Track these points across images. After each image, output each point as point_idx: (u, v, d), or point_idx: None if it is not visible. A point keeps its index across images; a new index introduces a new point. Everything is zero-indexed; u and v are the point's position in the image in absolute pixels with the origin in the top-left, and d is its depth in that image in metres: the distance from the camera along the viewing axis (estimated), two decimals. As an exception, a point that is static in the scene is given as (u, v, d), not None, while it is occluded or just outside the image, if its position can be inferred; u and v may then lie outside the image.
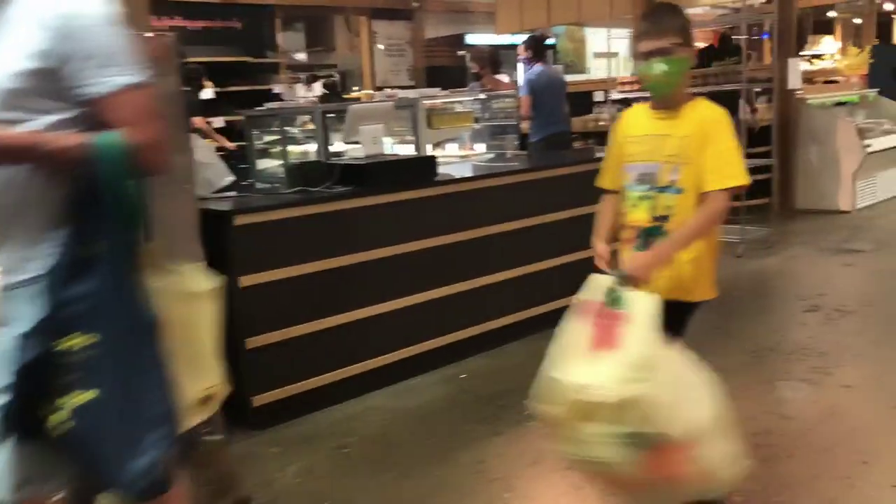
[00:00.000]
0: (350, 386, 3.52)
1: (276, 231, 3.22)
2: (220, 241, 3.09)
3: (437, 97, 5.56)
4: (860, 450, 2.82)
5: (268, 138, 7.48)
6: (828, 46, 14.53)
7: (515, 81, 6.63)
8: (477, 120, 5.84)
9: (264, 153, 7.60)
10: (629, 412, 1.85)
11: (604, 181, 2.41)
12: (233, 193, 3.68)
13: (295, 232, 3.28)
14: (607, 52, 8.02)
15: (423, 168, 3.85)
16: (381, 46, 12.08)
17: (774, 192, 7.49)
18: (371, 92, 7.00)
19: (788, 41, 7.40)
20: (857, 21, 18.50)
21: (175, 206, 2.87)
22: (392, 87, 11.48)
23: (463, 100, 5.82)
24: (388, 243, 3.56)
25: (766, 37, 6.71)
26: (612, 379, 1.86)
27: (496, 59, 6.69)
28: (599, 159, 4.89)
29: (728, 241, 6.20)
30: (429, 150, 6.08)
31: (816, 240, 6.45)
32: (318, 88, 7.25)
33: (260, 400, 3.20)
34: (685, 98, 2.21)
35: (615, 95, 6.86)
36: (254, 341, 3.18)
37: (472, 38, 12.03)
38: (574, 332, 2.04)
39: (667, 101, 2.20)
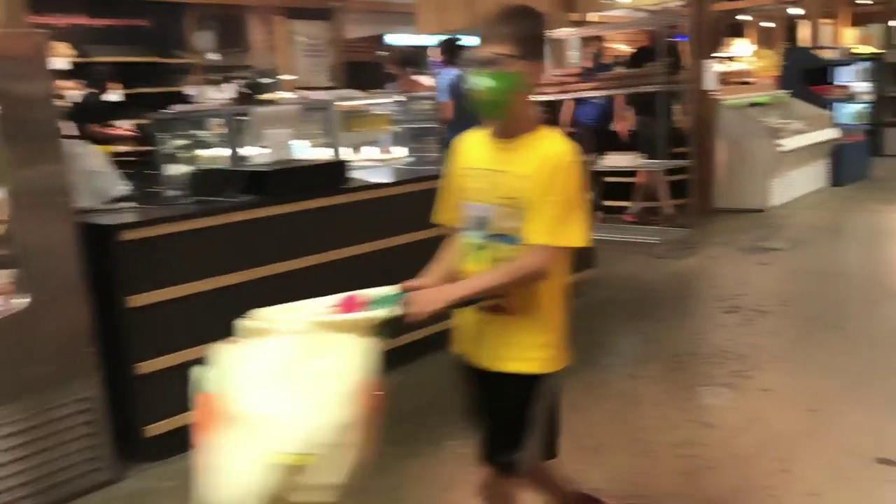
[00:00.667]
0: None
1: (169, 246, 2.96)
2: (104, 259, 2.83)
3: (353, 99, 5.37)
4: (780, 457, 2.77)
5: (177, 143, 7.14)
6: (741, 49, 14.94)
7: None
8: (396, 122, 5.67)
9: (174, 158, 7.26)
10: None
11: (440, 216, 2.02)
12: (127, 204, 3.40)
13: (190, 246, 3.03)
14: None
15: (332, 174, 3.65)
16: (300, 44, 11.77)
17: (693, 192, 7.58)
18: (284, 94, 6.73)
19: (704, 43, 7.49)
20: (768, 24, 19.16)
21: (47, 221, 2.61)
22: (311, 88, 11.19)
23: (380, 102, 5.64)
24: (295, 255, 3.34)
25: (683, 39, 6.72)
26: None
27: (412, 59, 6.52)
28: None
29: (648, 243, 6.22)
30: (346, 154, 5.92)
31: (734, 239, 6.53)
32: (230, 90, 6.92)
33: (152, 430, 2.94)
34: (526, 126, 1.79)
35: (536, 98, 6.79)
36: (145, 366, 2.91)
37: (392, 39, 11.85)
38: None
39: (503, 128, 1.80)
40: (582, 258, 5.02)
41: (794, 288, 5.03)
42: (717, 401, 3.27)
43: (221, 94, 6.98)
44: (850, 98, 10.95)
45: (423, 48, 12.40)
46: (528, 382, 1.85)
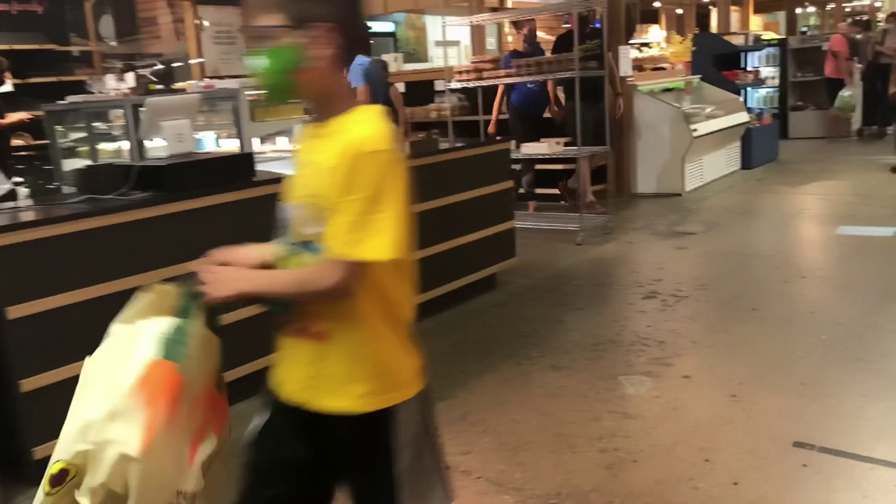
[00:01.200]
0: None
1: (51, 250, 2.71)
2: (-23, 266, 2.56)
3: (260, 88, 5.12)
4: (702, 447, 2.75)
5: (75, 136, 6.71)
6: (654, 35, 15.21)
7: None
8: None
9: (73, 153, 6.82)
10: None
11: None
12: (8, 204, 3.12)
13: (76, 250, 2.78)
14: (445, 40, 7.84)
15: (237, 167, 3.44)
16: (208, 31, 11.30)
17: (611, 177, 7.63)
18: (191, 83, 6.41)
19: (619, 29, 7.53)
20: (679, 11, 19.62)
21: None
22: (223, 77, 10.76)
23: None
24: (195, 256, 3.12)
25: (597, 25, 6.71)
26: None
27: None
28: (442, 151, 4.71)
29: (567, 230, 6.21)
30: (256, 146, 5.67)
31: (652, 224, 6.60)
32: (131, 79, 6.54)
33: (42, 451, 2.70)
34: (337, 106, 1.43)
35: (453, 85, 6.67)
36: (30, 382, 2.67)
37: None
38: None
39: (315, 111, 1.47)
40: (502, 247, 4.95)
41: (709, 271, 5.10)
42: (639, 390, 3.24)
43: (123, 84, 6.61)
44: (759, 83, 11.28)
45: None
46: (352, 423, 1.43)
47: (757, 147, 9.33)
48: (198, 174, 3.25)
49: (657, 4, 19.31)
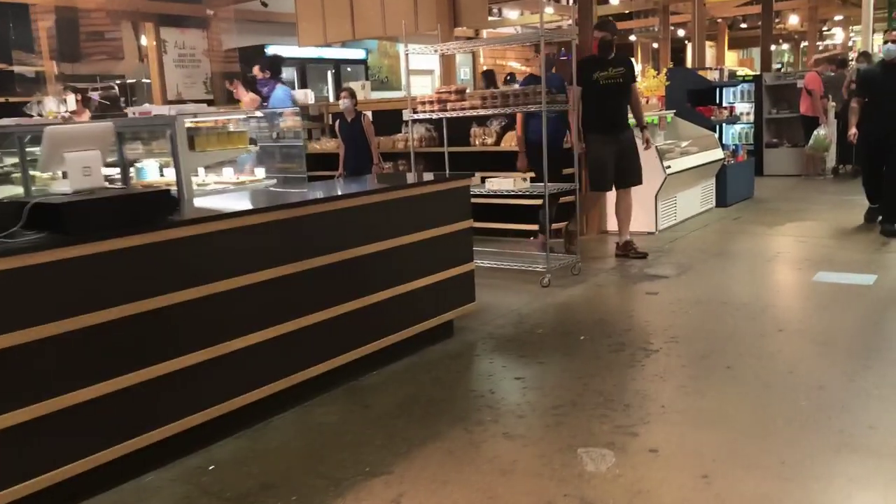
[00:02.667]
0: (57, 495, 2.64)
1: None
2: None
3: (203, 114, 4.75)
4: (669, 543, 2.38)
5: (10, 161, 6.28)
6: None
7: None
8: (254, 141, 5.08)
9: (8, 179, 6.38)
10: None
11: None
12: None
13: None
14: (409, 69, 7.53)
15: (155, 205, 3.04)
16: (171, 53, 10.94)
17: (581, 215, 7.31)
18: (137, 108, 6.00)
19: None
20: (655, 45, 19.58)
21: None
22: (185, 101, 10.37)
23: (237, 117, 5.05)
24: (97, 307, 2.72)
25: (568, 57, 6.45)
26: None
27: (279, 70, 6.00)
28: (393, 188, 4.35)
29: (534, 270, 5.86)
30: (199, 177, 5.28)
31: (622, 265, 6.28)
32: (72, 102, 6.13)
33: None
34: None
35: (416, 116, 6.31)
36: None
37: (274, 50, 11.19)
38: None
39: None
40: (460, 291, 4.59)
41: (682, 321, 4.76)
42: (599, 467, 2.86)
43: (64, 107, 6.20)
44: (734, 119, 11.10)
45: (311, 61, 11.83)
46: None
47: (732, 184, 9.09)
48: (103, 214, 2.85)
49: (633, 38, 19.27)
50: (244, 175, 5.15)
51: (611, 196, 6.98)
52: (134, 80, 11.44)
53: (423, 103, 6.26)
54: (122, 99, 10.49)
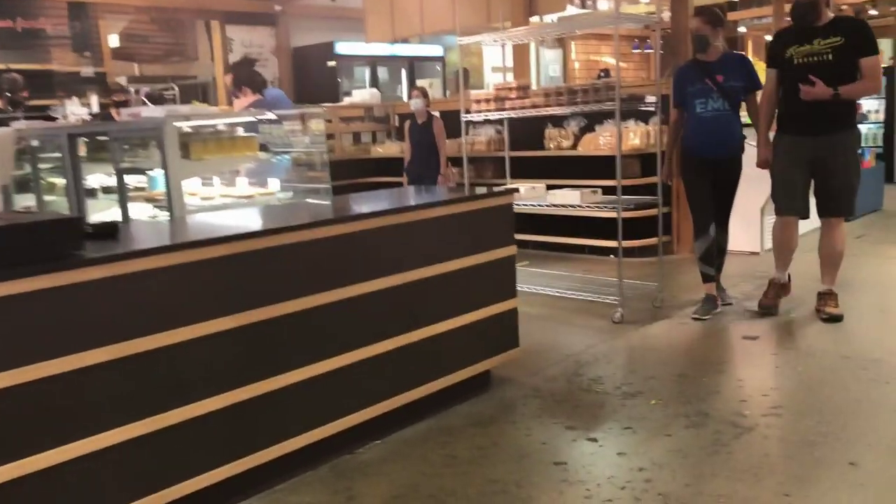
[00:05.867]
0: None
1: None
2: None
3: (198, 116, 4.04)
4: None
5: (27, 168, 5.85)
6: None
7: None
8: (264, 148, 4.33)
9: (27, 186, 5.96)
10: None
11: None
12: None
13: None
14: (463, 70, 6.69)
15: (55, 238, 2.30)
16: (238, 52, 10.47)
17: (669, 232, 6.24)
18: (135, 109, 5.34)
19: (683, 59, 6.17)
20: (768, 38, 17.87)
21: None
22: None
23: (242, 119, 4.31)
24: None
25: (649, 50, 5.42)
26: None
27: (253, 77, 5.30)
28: (409, 208, 3.49)
29: (604, 302, 4.87)
30: (209, 188, 4.60)
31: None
32: (96, 104, 5.62)
33: None
34: None
35: (471, 117, 5.42)
36: None
37: (342, 48, 10.56)
38: None
39: None
40: (499, 335, 3.69)
41: (787, 382, 3.67)
42: None
43: (83, 109, 5.69)
44: (861, 118, 9.60)
45: (379, 58, 11.13)
46: None
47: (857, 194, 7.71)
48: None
49: (742, 30, 17.69)
50: (256, 187, 4.42)
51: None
52: (206, 81, 11.11)
53: (478, 101, 5.37)
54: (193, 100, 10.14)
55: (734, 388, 3.62)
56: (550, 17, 7.79)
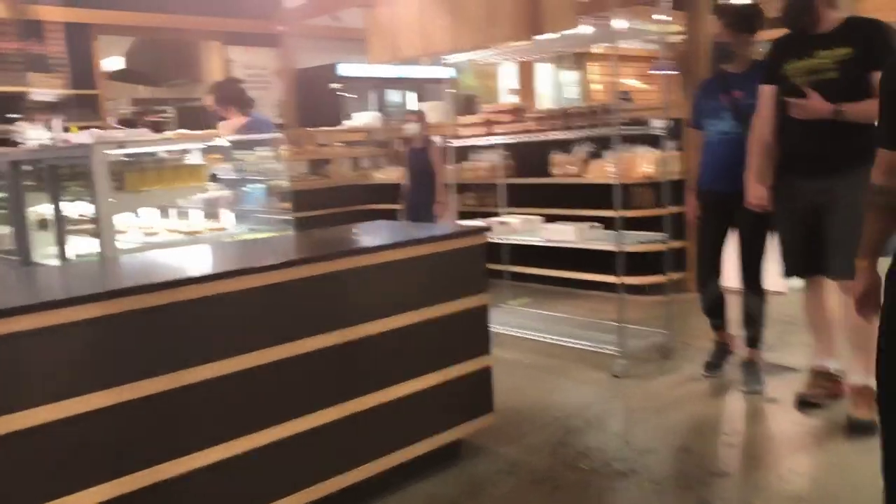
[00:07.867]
0: None
1: None
2: None
3: (134, 143, 3.59)
4: None
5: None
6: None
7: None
8: (214, 177, 3.88)
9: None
10: None
11: None
12: None
13: None
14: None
15: None
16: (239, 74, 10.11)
17: (679, 266, 5.64)
18: (66, 135, 4.85)
19: (695, 78, 5.63)
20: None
21: None
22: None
23: (187, 146, 3.86)
24: None
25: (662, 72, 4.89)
26: None
27: (241, 95, 4.89)
28: (364, 250, 2.96)
29: (602, 351, 4.30)
30: (154, 224, 4.16)
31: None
32: (58, 127, 5.21)
33: None
34: None
35: (451, 142, 4.90)
36: None
37: (344, 69, 10.16)
38: None
39: None
40: (470, 398, 3.15)
41: (812, 461, 3.07)
42: None
43: (44, 134, 5.27)
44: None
45: (377, 80, 10.73)
46: None
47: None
48: None
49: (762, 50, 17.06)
50: (207, 222, 3.95)
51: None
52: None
53: (465, 126, 4.87)
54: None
55: (748, 469, 3.03)
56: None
